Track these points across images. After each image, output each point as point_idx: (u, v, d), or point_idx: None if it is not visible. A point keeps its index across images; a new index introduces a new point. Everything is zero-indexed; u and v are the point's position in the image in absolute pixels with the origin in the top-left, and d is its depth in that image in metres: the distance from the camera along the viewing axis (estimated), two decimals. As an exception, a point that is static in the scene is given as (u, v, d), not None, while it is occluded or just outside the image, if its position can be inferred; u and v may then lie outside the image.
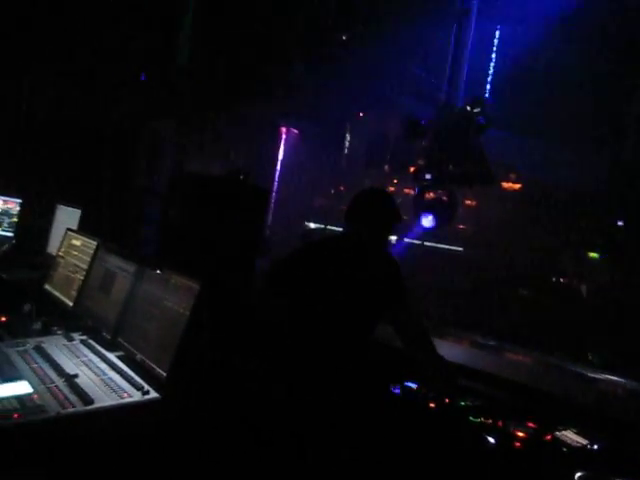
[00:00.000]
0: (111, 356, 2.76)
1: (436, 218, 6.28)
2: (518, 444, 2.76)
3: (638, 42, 8.25)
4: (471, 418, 2.97)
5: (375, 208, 3.15)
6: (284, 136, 9.82)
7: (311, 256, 3.19)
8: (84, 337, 2.99)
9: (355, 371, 2.99)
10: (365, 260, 3.14)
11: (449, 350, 2.99)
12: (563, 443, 2.81)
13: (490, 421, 2.95)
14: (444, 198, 6.25)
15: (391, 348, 3.39)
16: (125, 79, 6.11)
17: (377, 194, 3.28)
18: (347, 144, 11.20)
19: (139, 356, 2.67)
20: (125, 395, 2.36)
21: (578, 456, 2.69)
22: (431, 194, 6.31)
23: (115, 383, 2.46)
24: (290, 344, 2.97)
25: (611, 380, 4.12)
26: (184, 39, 7.06)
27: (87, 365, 2.63)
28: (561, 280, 11.10)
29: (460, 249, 10.95)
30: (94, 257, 3.42)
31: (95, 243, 3.48)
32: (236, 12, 7.31)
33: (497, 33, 10.09)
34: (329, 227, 9.86)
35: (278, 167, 9.74)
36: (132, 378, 2.52)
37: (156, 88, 6.46)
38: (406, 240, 9.50)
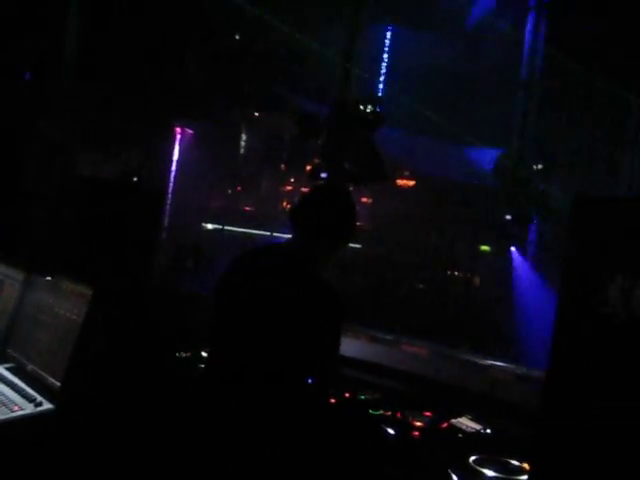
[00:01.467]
0: (0, 369, 2.65)
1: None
2: (416, 433, 2.85)
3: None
4: (371, 411, 3.04)
5: (332, 217, 2.44)
6: (178, 136, 9.68)
7: (250, 267, 2.51)
8: (-31, 350, 2.85)
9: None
10: (304, 284, 2.36)
11: (349, 346, 3.02)
12: (459, 429, 2.92)
13: (389, 413, 3.02)
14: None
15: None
16: (9, 78, 5.86)
17: (335, 196, 2.52)
18: (243, 144, 11.16)
19: (30, 366, 2.57)
20: (16, 408, 2.28)
21: (473, 441, 2.81)
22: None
23: (4, 396, 2.37)
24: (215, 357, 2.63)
25: (501, 367, 4.31)
26: (72, 38, 6.85)
27: (-27, 379, 2.52)
28: (455, 273, 11.50)
29: (358, 246, 11.12)
30: (-22, 266, 3.26)
31: (-21, 251, 3.32)
32: (126, 12, 7.16)
33: (388, 34, 10.35)
34: (227, 227, 9.80)
35: (173, 167, 9.59)
36: (23, 390, 2.43)
37: (43, 88, 6.23)
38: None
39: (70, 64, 6.86)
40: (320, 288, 2.35)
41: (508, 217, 9.54)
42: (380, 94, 9.93)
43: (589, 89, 8.75)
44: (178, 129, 9.68)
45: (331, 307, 2.32)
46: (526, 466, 2.51)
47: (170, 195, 9.16)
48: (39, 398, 2.36)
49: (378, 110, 7.07)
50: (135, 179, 7.03)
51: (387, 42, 10.40)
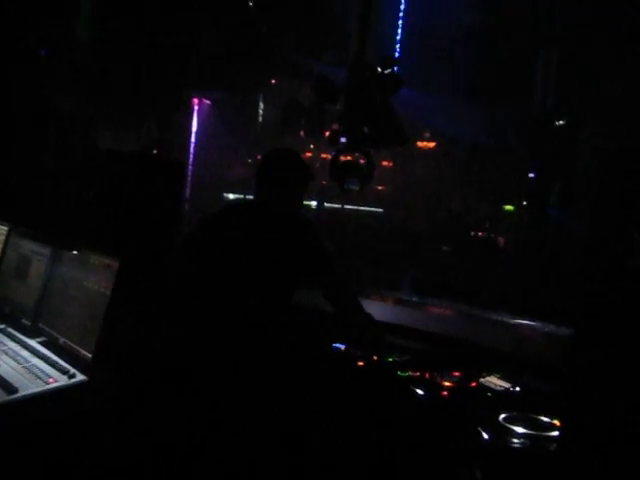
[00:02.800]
0: (32, 342, 2.70)
1: (354, 181, 6.30)
2: (445, 393, 2.86)
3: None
4: (399, 373, 3.05)
5: (286, 168, 2.98)
6: (196, 107, 9.64)
7: (222, 222, 3.02)
8: (2, 326, 2.91)
9: (274, 337, 2.91)
10: (277, 225, 2.96)
11: (374, 309, 3.04)
12: (487, 388, 2.93)
13: (418, 374, 3.03)
14: (361, 161, 6.27)
15: (316, 312, 3.42)
16: (25, 55, 5.86)
17: (286, 154, 3.10)
18: (261, 112, 11.10)
19: (62, 340, 2.62)
20: (51, 380, 2.32)
21: (502, 399, 2.82)
22: (348, 157, 6.34)
23: (39, 369, 2.41)
24: (202, 313, 2.89)
25: (529, 325, 4.29)
26: (85, 13, 6.82)
27: (7, 354, 2.57)
28: (480, 234, 11.42)
29: (380, 210, 11.08)
30: (6, 243, 3.30)
31: (6, 229, 3.36)
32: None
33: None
34: (248, 197, 9.79)
35: (192, 139, 9.57)
36: (57, 363, 2.48)
37: (60, 64, 6.22)
38: (326, 205, 9.54)
39: (85, 40, 6.84)
40: (293, 223, 2.98)
41: (531, 175, 9.44)
42: (397, 55, 9.79)
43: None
44: (195, 100, 9.64)
45: (309, 234, 3.00)
46: (556, 422, 2.52)
47: (191, 166, 9.17)
48: (72, 370, 2.40)
49: (396, 71, 6.97)
50: (155, 151, 7.04)
51: (403, 1, 10.22)
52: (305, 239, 3.02)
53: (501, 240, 11.25)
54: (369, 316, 3.10)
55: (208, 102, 9.75)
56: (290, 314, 3.02)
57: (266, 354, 2.84)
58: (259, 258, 2.88)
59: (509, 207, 10.88)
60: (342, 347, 3.37)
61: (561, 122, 9.26)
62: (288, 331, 3.00)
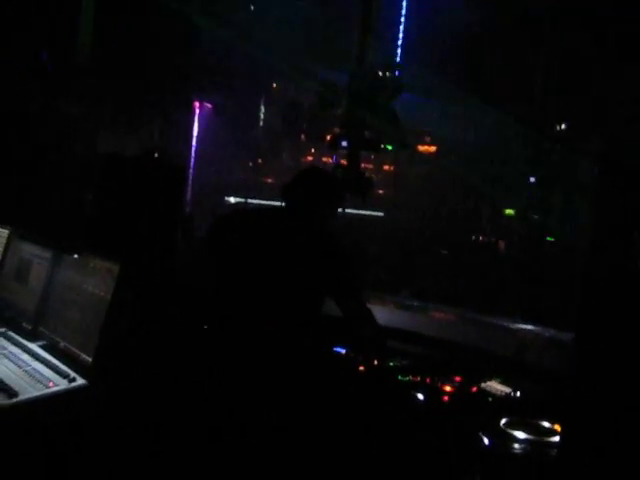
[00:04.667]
0: (33, 346, 2.69)
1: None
2: (446, 398, 2.86)
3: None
4: (400, 377, 3.05)
5: (318, 185, 3.07)
6: (197, 111, 9.65)
7: (249, 223, 3.07)
8: (3, 329, 2.89)
9: (286, 342, 2.93)
10: (302, 234, 2.99)
11: (374, 313, 3.03)
12: (488, 393, 2.92)
13: (418, 379, 3.03)
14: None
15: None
16: (25, 59, 5.86)
17: (320, 174, 3.24)
18: (262, 116, 11.11)
19: (62, 344, 2.61)
20: (51, 384, 2.31)
21: (503, 404, 2.81)
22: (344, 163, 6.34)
23: (39, 373, 2.40)
24: (220, 311, 2.92)
25: (530, 330, 4.29)
26: (87, 15, 6.82)
27: (8, 358, 2.55)
28: (480, 238, 11.42)
29: (381, 214, 11.08)
30: (7, 246, 3.30)
31: (7, 232, 3.35)
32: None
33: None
34: (250, 201, 9.79)
35: (194, 143, 9.58)
36: (57, 366, 2.47)
37: (60, 67, 6.22)
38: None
39: (86, 42, 6.84)
40: (318, 236, 2.98)
41: (532, 179, 9.44)
42: (399, 60, 9.80)
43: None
44: (197, 103, 9.65)
45: (331, 248, 2.99)
46: (557, 427, 2.51)
47: (192, 170, 9.17)
48: (72, 374, 2.39)
49: (397, 76, 6.99)
50: (156, 155, 7.05)
51: (404, 6, 10.22)
52: (330, 250, 3.03)
53: (502, 244, 11.25)
54: (379, 331, 3.09)
55: (209, 106, 9.76)
56: (316, 323, 3.02)
57: (277, 358, 2.84)
58: (285, 263, 2.91)
59: (509, 211, 10.88)
60: (343, 351, 3.36)
61: (562, 126, 9.26)
62: (307, 338, 3.00)
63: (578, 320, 1.87)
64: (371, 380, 3.13)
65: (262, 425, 2.70)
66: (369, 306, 3.02)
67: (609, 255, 1.74)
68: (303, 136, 10.44)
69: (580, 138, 9.04)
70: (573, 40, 8.89)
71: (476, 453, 2.47)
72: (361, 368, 3.15)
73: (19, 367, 2.46)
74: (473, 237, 11.33)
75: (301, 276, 2.91)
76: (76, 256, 2.76)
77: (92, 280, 2.59)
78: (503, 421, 2.57)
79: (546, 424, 2.57)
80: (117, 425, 2.35)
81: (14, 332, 2.85)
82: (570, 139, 9.03)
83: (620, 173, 1.75)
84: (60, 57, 6.29)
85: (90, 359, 2.41)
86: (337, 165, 6.31)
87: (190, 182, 8.67)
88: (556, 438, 2.43)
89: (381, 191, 11.42)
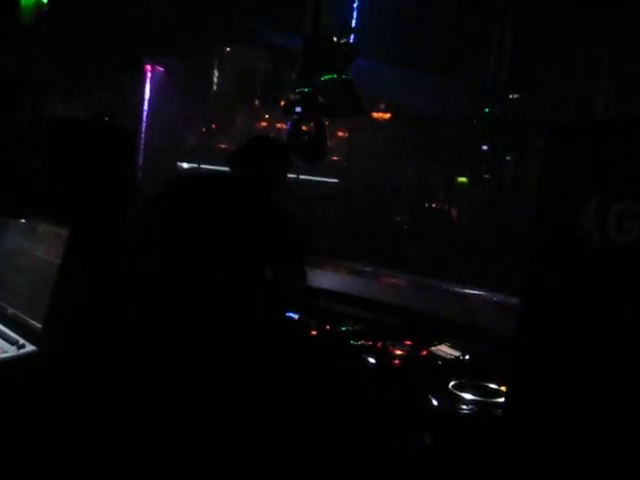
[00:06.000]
0: (-21, 313, 2.64)
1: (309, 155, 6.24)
2: (397, 362, 2.90)
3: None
4: (352, 342, 3.08)
5: (268, 154, 3.03)
6: (149, 74, 9.45)
7: (196, 188, 3.02)
8: (-52, 296, 2.83)
9: (240, 311, 2.89)
10: (251, 203, 2.91)
11: (327, 279, 3.05)
12: (438, 357, 2.98)
13: (370, 343, 3.07)
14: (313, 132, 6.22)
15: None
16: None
17: (270, 140, 3.28)
18: (215, 80, 10.96)
19: (11, 310, 2.56)
20: (-1, 351, 2.28)
21: (452, 367, 2.87)
22: (304, 128, 6.29)
23: (-14, 340, 2.36)
24: (165, 282, 2.86)
25: (479, 295, 4.37)
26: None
27: (-46, 325, 2.50)
28: (433, 205, 11.54)
29: (335, 180, 11.10)
30: (-50, 211, 3.21)
31: (-50, 196, 3.26)
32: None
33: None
34: (202, 166, 9.70)
35: (145, 106, 9.40)
36: (5, 333, 2.42)
37: (3, 25, 6.02)
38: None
39: (33, 2, 6.61)
40: (268, 207, 2.90)
41: (484, 147, 9.53)
42: (354, 25, 9.74)
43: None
44: (148, 67, 9.45)
45: (279, 219, 2.91)
46: (504, 389, 2.57)
47: (143, 135, 9.02)
48: (21, 341, 2.36)
49: (352, 41, 6.93)
50: (106, 119, 6.90)
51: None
52: (277, 223, 2.95)
53: (454, 212, 11.40)
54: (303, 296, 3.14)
55: (161, 69, 9.57)
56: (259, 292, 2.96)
57: (227, 327, 2.81)
58: (229, 232, 2.84)
59: (463, 179, 11.00)
60: (295, 317, 3.38)
61: (515, 95, 9.35)
62: (255, 306, 2.96)
63: (524, 283, 1.91)
64: (323, 344, 3.16)
65: (214, 392, 2.70)
66: (321, 271, 3.02)
67: (555, 219, 1.78)
68: (257, 101, 10.35)
69: (531, 106, 9.16)
70: (527, 11, 8.98)
71: (425, 414, 2.53)
72: (314, 333, 3.18)
73: (-34, 335, 2.41)
74: (426, 204, 11.45)
75: (247, 242, 2.86)
76: (23, 221, 2.70)
77: (41, 246, 2.54)
78: (452, 383, 2.62)
79: (493, 386, 2.63)
80: (67, 391, 2.33)
81: (-40, 300, 2.79)
82: (522, 107, 9.13)
83: (566, 139, 1.78)
84: (3, 15, 6.07)
85: (39, 325, 2.38)
86: (291, 131, 6.24)
87: (142, 147, 8.53)
88: (502, 399, 2.49)
89: (335, 158, 11.41)
